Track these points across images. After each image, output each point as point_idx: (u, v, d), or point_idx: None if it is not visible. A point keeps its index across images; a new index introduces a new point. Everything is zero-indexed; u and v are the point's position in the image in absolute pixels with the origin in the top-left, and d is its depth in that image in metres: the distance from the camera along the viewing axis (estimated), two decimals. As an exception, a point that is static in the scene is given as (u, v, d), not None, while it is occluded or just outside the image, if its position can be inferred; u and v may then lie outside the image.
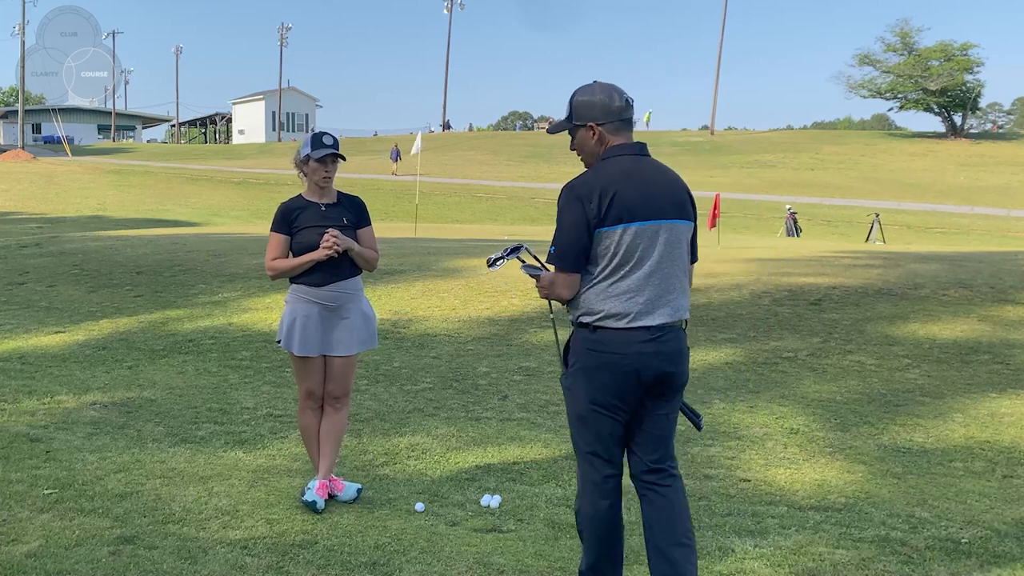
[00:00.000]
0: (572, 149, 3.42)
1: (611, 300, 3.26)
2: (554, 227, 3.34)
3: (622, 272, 3.25)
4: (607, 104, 3.29)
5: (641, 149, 3.35)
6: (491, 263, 3.69)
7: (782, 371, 7.55)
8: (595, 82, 3.37)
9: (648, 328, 3.31)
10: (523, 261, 3.56)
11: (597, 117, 3.29)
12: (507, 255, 3.61)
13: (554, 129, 3.50)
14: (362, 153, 59.35)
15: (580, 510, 3.44)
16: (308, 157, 4.58)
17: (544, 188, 41.04)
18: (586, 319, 3.30)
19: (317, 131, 4.82)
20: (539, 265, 3.48)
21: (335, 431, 4.71)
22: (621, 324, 3.27)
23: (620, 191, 3.21)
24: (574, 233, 3.22)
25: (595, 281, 3.27)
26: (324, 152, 4.57)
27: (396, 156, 47.24)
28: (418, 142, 22.95)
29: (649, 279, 3.29)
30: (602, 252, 3.25)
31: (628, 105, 3.32)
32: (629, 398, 3.32)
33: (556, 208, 3.31)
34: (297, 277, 4.58)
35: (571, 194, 3.24)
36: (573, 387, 3.37)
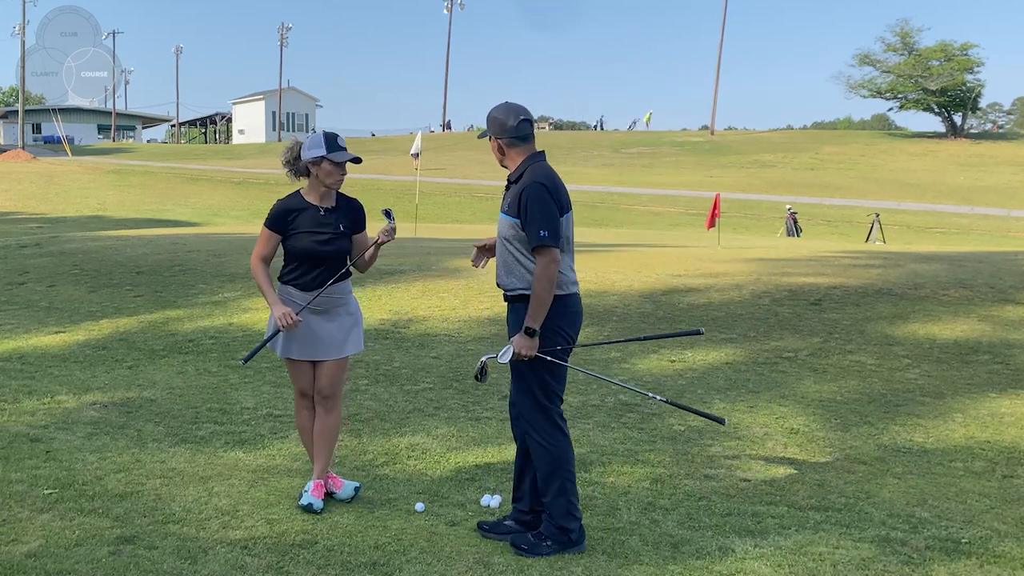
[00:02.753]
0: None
1: (571, 272, 4.11)
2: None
3: (567, 250, 4.08)
4: (504, 123, 4.10)
5: (545, 156, 4.19)
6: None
7: (782, 371, 7.55)
8: (506, 102, 4.16)
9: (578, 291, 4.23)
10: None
11: (496, 132, 4.12)
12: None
13: (481, 135, 4.29)
14: (362, 153, 59.34)
15: (556, 452, 4.08)
16: (322, 158, 4.41)
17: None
18: (558, 292, 4.03)
19: (326, 131, 4.61)
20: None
21: (327, 432, 4.65)
22: (575, 290, 4.16)
23: (561, 188, 4.08)
24: (556, 220, 3.98)
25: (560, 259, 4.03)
26: (347, 156, 4.43)
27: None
28: (418, 142, 22.95)
29: (572, 254, 4.17)
30: (560, 235, 4.02)
31: (524, 122, 4.12)
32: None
33: (526, 201, 3.95)
34: (288, 277, 4.51)
35: (544, 190, 3.97)
36: (551, 350, 4.06)
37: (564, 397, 4.25)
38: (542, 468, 4.11)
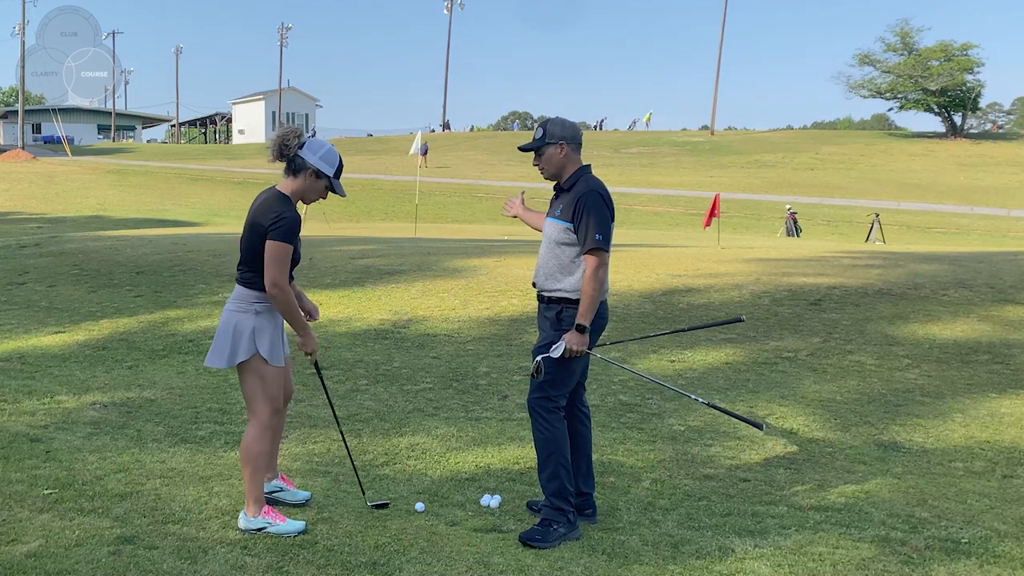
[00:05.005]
0: (535, 164, 4.41)
1: (606, 280, 4.28)
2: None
3: (608, 257, 4.29)
4: (573, 132, 4.39)
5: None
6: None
7: (782, 371, 7.55)
8: (562, 117, 4.45)
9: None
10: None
11: (566, 139, 4.35)
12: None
13: (528, 147, 4.43)
14: (361, 153, 59.35)
15: (553, 437, 4.29)
16: (328, 179, 4.22)
17: (543, 188, 40.99)
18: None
19: (331, 148, 4.28)
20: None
21: (282, 428, 4.61)
22: (606, 297, 4.39)
23: (611, 197, 4.34)
24: (609, 226, 4.25)
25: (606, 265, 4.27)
26: (342, 192, 4.28)
27: (424, 151, 51.89)
28: (417, 142, 22.97)
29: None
30: (611, 241, 4.28)
31: (581, 136, 4.45)
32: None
33: (584, 206, 4.20)
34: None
35: (600, 198, 4.25)
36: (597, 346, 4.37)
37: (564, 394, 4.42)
38: (540, 451, 4.34)
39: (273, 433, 4.39)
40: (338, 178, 4.28)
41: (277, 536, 4.17)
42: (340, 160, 4.29)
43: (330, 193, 4.32)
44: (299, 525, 4.24)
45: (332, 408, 4.95)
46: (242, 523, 4.24)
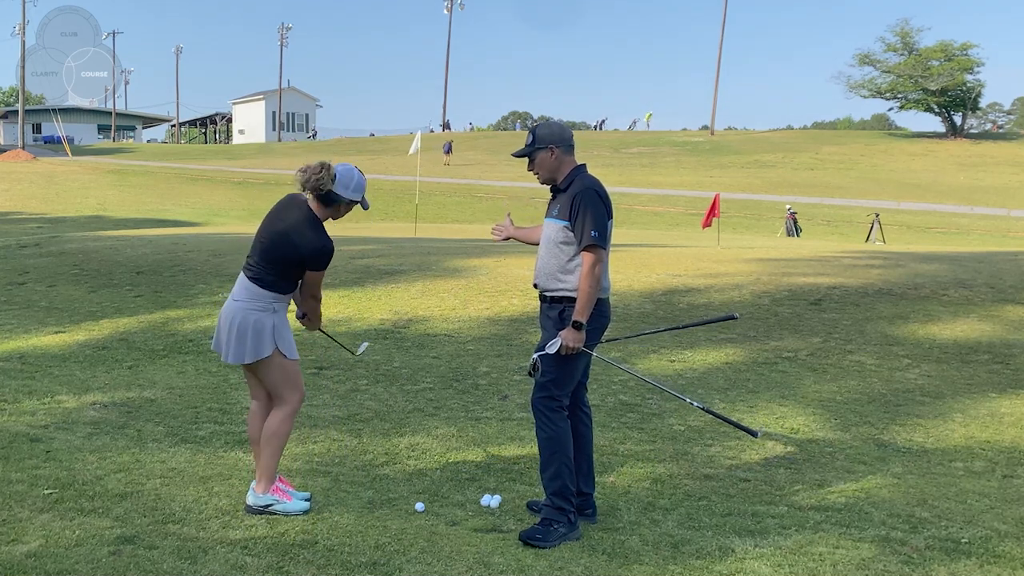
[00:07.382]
0: (530, 169, 4.46)
1: (606, 278, 4.34)
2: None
3: (608, 255, 4.32)
4: (562, 135, 4.41)
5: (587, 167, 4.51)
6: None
7: (782, 371, 7.56)
8: (552, 119, 4.44)
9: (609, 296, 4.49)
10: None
11: (555, 142, 4.38)
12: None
13: (520, 153, 4.49)
14: (361, 153, 59.37)
15: (557, 436, 4.31)
16: (353, 202, 4.45)
17: (543, 188, 40.91)
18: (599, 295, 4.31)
19: (359, 175, 4.49)
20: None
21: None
22: (607, 295, 4.43)
23: (608, 195, 4.34)
24: (606, 223, 4.26)
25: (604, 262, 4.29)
26: (366, 204, 4.56)
27: (448, 149, 53.76)
28: (417, 142, 22.95)
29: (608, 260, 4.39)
30: (608, 238, 4.31)
31: (572, 137, 4.46)
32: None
33: (580, 204, 4.23)
34: (287, 289, 4.50)
35: (596, 195, 4.27)
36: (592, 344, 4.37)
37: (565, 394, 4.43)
38: (543, 451, 4.35)
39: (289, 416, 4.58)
40: (364, 198, 4.55)
41: (283, 515, 4.38)
42: (364, 181, 4.52)
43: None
44: (304, 505, 4.44)
45: (342, 345, 5.14)
46: (250, 499, 4.45)
